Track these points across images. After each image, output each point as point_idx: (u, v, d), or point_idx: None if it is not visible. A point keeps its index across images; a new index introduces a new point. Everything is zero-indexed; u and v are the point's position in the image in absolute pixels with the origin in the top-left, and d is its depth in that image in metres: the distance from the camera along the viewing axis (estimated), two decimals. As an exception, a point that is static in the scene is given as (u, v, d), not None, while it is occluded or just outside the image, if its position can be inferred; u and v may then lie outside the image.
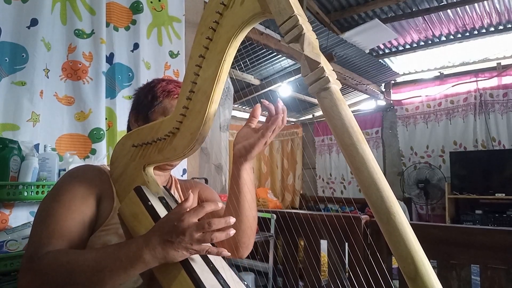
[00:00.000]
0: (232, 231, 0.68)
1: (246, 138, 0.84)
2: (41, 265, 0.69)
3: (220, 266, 0.76)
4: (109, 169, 0.87)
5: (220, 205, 0.71)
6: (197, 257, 0.73)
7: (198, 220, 0.67)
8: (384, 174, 0.56)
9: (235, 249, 0.91)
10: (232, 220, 0.68)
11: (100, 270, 0.67)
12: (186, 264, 0.68)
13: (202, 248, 0.67)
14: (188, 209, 0.68)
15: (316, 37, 0.60)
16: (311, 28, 0.61)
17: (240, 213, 0.87)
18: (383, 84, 5.43)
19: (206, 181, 2.38)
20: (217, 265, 0.75)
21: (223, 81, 0.72)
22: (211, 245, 0.69)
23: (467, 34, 4.24)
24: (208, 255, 0.76)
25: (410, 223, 0.54)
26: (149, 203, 0.75)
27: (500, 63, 4.51)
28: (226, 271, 0.76)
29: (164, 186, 0.89)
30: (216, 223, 0.66)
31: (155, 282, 0.74)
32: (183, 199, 0.79)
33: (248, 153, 0.84)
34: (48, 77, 1.68)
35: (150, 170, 0.82)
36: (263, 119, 0.85)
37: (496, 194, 4.00)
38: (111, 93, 1.93)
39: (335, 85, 0.58)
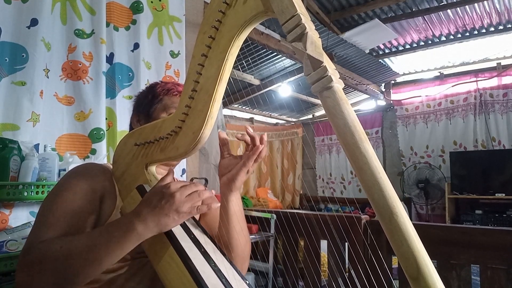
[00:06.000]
0: (218, 204, 0.75)
1: (229, 168, 0.86)
2: (35, 256, 0.70)
3: (222, 266, 0.76)
4: (112, 167, 0.87)
5: (217, 205, 0.74)
6: (199, 256, 0.73)
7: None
8: (384, 174, 0.56)
9: None
10: (213, 191, 0.74)
11: (95, 249, 0.68)
12: (188, 263, 0.68)
13: (192, 207, 0.69)
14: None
15: (318, 36, 0.60)
16: (314, 27, 0.61)
17: (231, 241, 0.89)
18: (383, 84, 5.43)
19: (206, 181, 2.38)
20: (219, 264, 0.75)
21: (225, 80, 0.72)
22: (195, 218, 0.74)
23: (467, 34, 4.24)
24: (210, 256, 0.76)
25: (410, 223, 0.54)
26: (151, 202, 0.75)
27: (500, 63, 4.51)
28: (228, 270, 0.76)
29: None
30: (202, 192, 0.71)
31: (157, 282, 0.74)
32: None
33: (233, 184, 0.85)
34: (48, 77, 1.67)
35: (152, 169, 0.82)
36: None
37: (496, 194, 4.00)
38: (111, 93, 1.93)
39: (338, 84, 0.58)
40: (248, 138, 0.82)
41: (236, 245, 0.90)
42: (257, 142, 0.81)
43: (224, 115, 3.24)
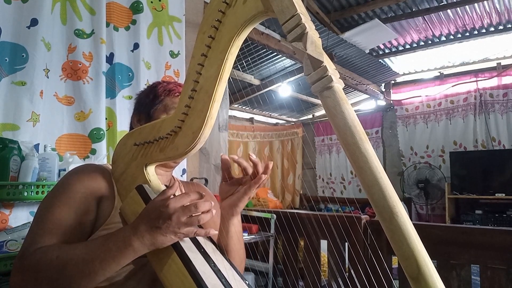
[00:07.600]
0: (215, 211, 0.72)
1: (229, 193, 0.87)
2: (31, 262, 0.70)
3: (222, 266, 0.76)
4: (111, 168, 0.87)
5: (214, 212, 0.72)
6: (199, 257, 0.73)
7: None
8: (384, 174, 0.56)
9: None
10: (213, 203, 0.72)
11: (91, 262, 0.68)
12: (188, 263, 0.68)
13: (190, 231, 0.69)
14: (172, 196, 0.70)
15: (318, 35, 0.60)
16: (314, 27, 0.61)
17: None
18: (383, 84, 5.43)
19: (206, 181, 2.38)
20: (219, 265, 0.75)
21: (225, 80, 0.72)
22: (198, 227, 0.71)
23: (467, 34, 4.23)
24: (210, 256, 0.76)
25: (410, 223, 0.54)
26: (151, 202, 0.75)
27: (500, 63, 4.51)
28: (228, 270, 0.76)
29: (166, 185, 0.89)
30: (202, 205, 0.69)
31: (157, 282, 0.74)
32: None
33: (234, 209, 0.86)
34: (48, 77, 1.67)
35: (152, 169, 0.82)
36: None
37: (496, 194, 4.00)
38: (111, 93, 1.93)
39: (338, 84, 0.58)
40: (245, 164, 0.82)
41: (234, 262, 0.91)
42: (260, 170, 0.81)
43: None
